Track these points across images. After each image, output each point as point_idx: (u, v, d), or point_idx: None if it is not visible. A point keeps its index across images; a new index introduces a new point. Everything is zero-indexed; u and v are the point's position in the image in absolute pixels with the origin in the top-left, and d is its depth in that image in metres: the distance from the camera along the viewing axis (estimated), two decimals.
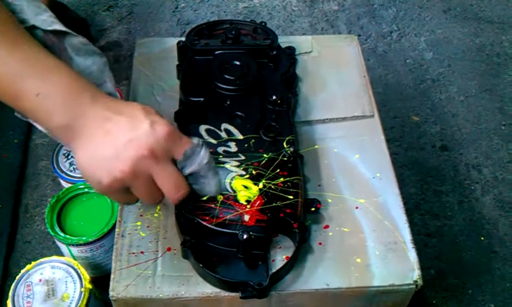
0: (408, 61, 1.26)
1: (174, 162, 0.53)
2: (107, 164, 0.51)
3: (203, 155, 0.54)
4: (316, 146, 0.68)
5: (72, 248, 0.77)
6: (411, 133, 1.12)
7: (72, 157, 0.88)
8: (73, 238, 0.77)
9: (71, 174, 0.86)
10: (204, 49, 0.73)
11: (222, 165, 0.60)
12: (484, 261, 0.93)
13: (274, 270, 0.55)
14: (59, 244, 0.79)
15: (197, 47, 0.73)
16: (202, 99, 0.67)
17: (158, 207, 0.62)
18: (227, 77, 0.69)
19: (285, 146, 0.63)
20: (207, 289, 0.55)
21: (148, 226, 0.61)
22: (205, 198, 0.57)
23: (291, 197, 0.58)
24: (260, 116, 0.66)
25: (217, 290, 0.55)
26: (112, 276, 0.57)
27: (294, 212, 0.57)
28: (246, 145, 0.63)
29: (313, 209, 0.60)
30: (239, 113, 0.66)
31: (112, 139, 0.51)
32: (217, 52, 0.72)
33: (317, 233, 0.60)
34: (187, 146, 0.53)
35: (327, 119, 0.71)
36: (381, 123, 0.71)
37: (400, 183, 0.65)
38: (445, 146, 1.10)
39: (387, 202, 0.63)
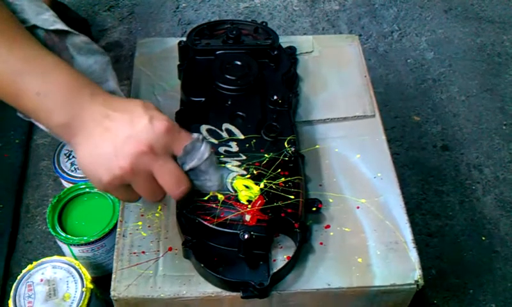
0: (408, 60, 1.26)
1: (174, 158, 0.53)
2: (106, 162, 0.51)
3: (204, 150, 0.54)
4: (317, 146, 0.68)
5: (73, 248, 0.77)
6: (412, 133, 1.12)
7: (73, 156, 0.88)
8: (74, 238, 0.76)
9: (72, 174, 0.86)
10: (205, 49, 0.73)
11: (223, 165, 0.60)
12: (485, 261, 0.93)
13: (275, 270, 0.55)
14: (60, 243, 0.79)
15: (198, 47, 0.73)
16: (203, 99, 0.67)
17: (159, 207, 0.62)
18: (228, 77, 0.69)
19: (286, 146, 0.63)
20: (208, 289, 0.55)
21: (149, 226, 0.61)
22: (206, 198, 0.57)
23: (292, 197, 0.58)
24: (261, 116, 0.66)
25: (219, 289, 0.55)
26: (113, 276, 0.57)
27: (295, 212, 0.57)
28: (247, 145, 0.63)
29: (314, 209, 0.60)
30: (240, 113, 0.66)
31: (111, 136, 0.50)
32: (218, 52, 0.72)
33: (318, 233, 0.60)
34: (186, 141, 0.53)
35: (328, 119, 0.71)
36: (382, 123, 0.71)
37: (401, 183, 0.65)
38: (446, 145, 1.10)
39: (388, 202, 0.63)
